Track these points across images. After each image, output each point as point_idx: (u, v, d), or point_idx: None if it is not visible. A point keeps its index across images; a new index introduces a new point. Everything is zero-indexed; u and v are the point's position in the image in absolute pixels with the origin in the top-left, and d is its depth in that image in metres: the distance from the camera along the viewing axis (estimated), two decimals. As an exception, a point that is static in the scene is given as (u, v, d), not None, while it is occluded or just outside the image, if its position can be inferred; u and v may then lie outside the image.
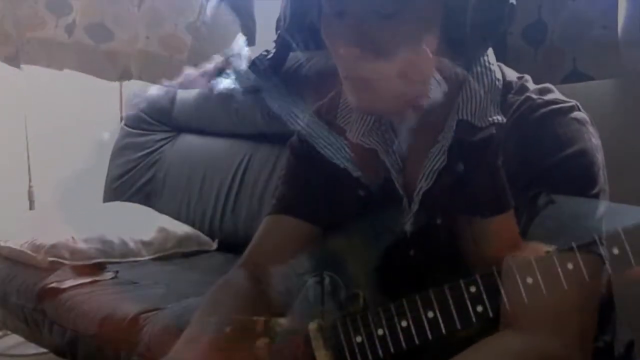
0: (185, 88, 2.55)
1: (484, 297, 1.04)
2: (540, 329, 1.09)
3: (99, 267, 2.26)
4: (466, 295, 1.05)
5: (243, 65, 1.96)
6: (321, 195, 1.31)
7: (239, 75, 1.82)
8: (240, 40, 2.17)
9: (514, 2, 1.19)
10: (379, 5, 1.15)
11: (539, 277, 1.01)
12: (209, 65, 2.26)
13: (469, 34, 1.18)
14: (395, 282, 1.12)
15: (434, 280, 1.11)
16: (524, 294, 1.01)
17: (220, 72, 1.87)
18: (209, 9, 2.74)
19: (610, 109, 1.99)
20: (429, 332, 1.05)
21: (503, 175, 1.21)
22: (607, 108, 1.99)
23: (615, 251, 0.99)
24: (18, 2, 2.65)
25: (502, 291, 1.02)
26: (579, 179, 1.27)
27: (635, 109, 1.95)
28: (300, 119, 1.30)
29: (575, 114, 1.32)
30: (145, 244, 2.36)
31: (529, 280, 1.01)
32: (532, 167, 1.25)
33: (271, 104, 1.30)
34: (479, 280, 1.05)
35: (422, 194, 1.22)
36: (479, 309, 1.04)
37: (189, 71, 2.38)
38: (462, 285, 1.05)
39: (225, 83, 1.68)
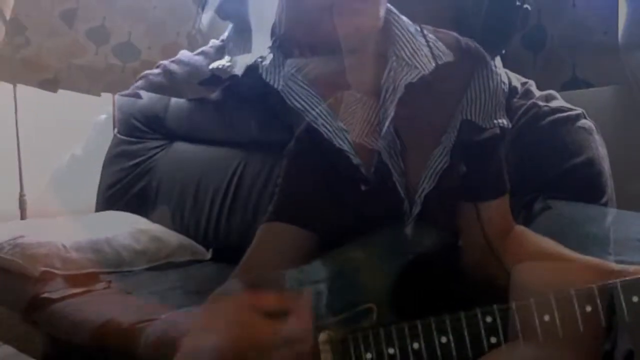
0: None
1: (499, 328, 1.03)
2: (564, 343, 1.07)
3: (92, 277, 2.23)
4: (481, 325, 1.03)
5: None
6: (319, 201, 1.29)
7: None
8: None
9: (529, 7, 1.18)
10: None
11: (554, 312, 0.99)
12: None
13: (481, 37, 1.17)
14: (418, 300, 1.10)
15: (432, 284, 1.10)
16: (560, 323, 0.99)
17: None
18: (205, 17, 2.74)
19: (610, 114, 1.98)
20: (440, 357, 1.03)
21: (503, 162, 1.19)
22: (607, 113, 1.98)
23: (635, 299, 0.99)
24: (59, 32, 2.73)
25: (514, 305, 1.01)
26: (587, 187, 1.26)
27: (635, 114, 1.94)
28: (321, 111, 1.28)
29: (582, 122, 1.32)
30: (139, 253, 2.33)
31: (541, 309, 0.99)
32: (540, 174, 1.24)
33: (292, 100, 1.28)
34: (496, 311, 1.03)
35: (424, 195, 1.20)
36: (493, 340, 1.02)
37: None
38: (479, 314, 1.03)
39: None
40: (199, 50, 2.47)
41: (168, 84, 2.43)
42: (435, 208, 1.21)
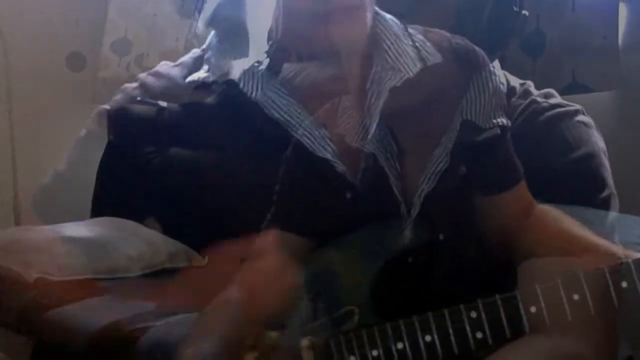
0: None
1: (485, 323, 1.03)
2: (567, 332, 1.07)
3: (87, 283, 2.21)
4: (466, 321, 1.03)
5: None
6: (314, 207, 1.30)
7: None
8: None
9: (526, 13, 1.20)
10: None
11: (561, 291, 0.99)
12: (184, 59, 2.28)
13: (481, 42, 1.18)
14: (392, 292, 1.11)
15: (432, 288, 1.10)
16: (547, 314, 0.99)
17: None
18: (201, 22, 2.74)
19: (610, 118, 1.98)
20: (425, 356, 1.03)
21: (511, 153, 1.20)
22: (607, 117, 1.98)
23: (624, 284, 0.99)
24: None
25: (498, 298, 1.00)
26: (589, 181, 1.27)
27: (634, 118, 1.94)
28: (302, 121, 1.29)
29: (581, 117, 1.33)
30: (134, 259, 2.31)
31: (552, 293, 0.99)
32: (541, 169, 1.24)
33: (272, 111, 1.28)
34: (480, 306, 1.03)
35: (423, 196, 1.21)
36: (479, 335, 1.03)
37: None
38: (463, 309, 1.04)
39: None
40: (178, 61, 2.47)
41: (144, 97, 2.44)
42: (433, 209, 1.22)
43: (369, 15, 1.21)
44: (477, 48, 1.20)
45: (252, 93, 1.33)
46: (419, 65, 1.19)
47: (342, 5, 1.21)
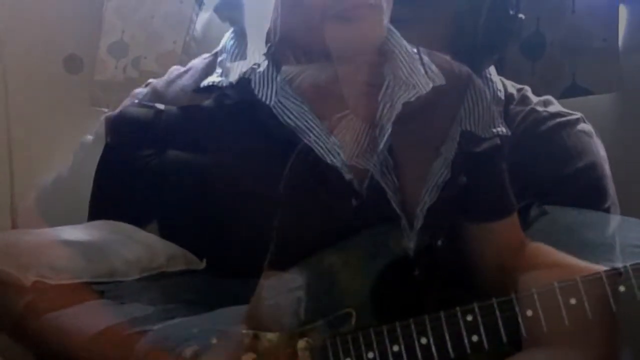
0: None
1: (480, 326, 1.03)
2: (565, 336, 1.07)
3: (85, 287, 2.20)
4: (462, 324, 1.03)
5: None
6: (315, 243, 1.30)
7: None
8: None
9: (523, 17, 1.20)
10: None
11: (560, 302, 0.98)
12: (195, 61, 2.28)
13: (478, 46, 1.19)
14: (398, 303, 1.10)
15: (439, 298, 1.09)
16: (544, 318, 0.98)
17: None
18: (199, 24, 2.74)
19: (609, 121, 1.98)
20: (420, 359, 1.04)
21: (507, 179, 1.20)
22: (606, 120, 1.98)
23: (622, 289, 0.99)
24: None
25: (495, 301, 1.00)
26: (591, 192, 1.27)
27: (634, 121, 1.94)
28: (313, 127, 1.29)
29: (582, 126, 1.32)
30: (132, 262, 2.30)
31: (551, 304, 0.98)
32: (542, 179, 1.24)
33: (284, 117, 1.27)
34: (476, 309, 1.04)
35: (425, 210, 1.21)
36: (474, 338, 1.03)
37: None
38: (459, 313, 1.04)
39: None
40: (188, 65, 2.47)
41: (155, 102, 2.45)
42: (436, 219, 1.21)
43: (385, 19, 1.21)
44: (472, 73, 1.20)
45: (266, 99, 1.33)
46: (431, 83, 1.20)
47: (366, 3, 1.22)
